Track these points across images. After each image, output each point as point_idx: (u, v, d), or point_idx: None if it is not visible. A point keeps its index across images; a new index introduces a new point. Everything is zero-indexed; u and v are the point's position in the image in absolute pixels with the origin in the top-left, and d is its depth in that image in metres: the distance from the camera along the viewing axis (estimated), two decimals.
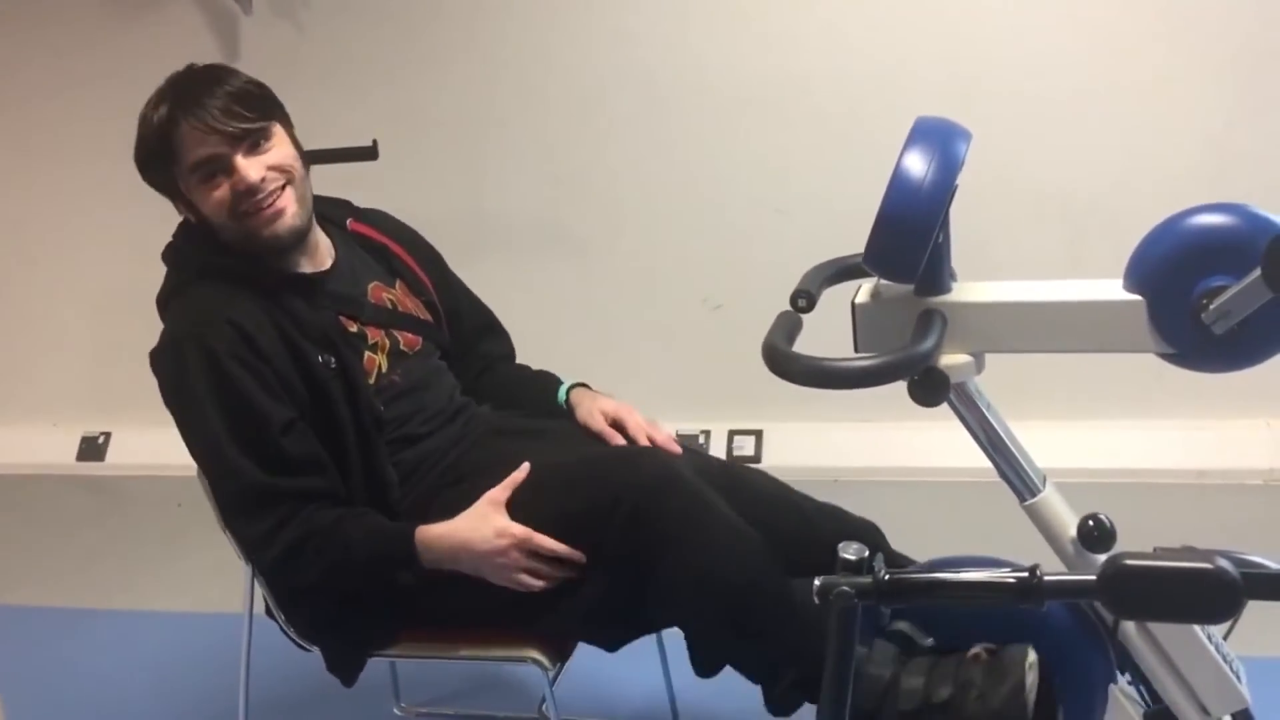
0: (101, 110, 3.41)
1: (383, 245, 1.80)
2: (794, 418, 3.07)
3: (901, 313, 1.29)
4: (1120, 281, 1.26)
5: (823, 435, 3.07)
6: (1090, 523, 1.28)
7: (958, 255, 1.32)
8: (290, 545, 1.51)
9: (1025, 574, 0.95)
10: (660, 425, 1.74)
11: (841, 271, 1.40)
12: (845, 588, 0.97)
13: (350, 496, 1.59)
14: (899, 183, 1.16)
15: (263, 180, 1.54)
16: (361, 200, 1.87)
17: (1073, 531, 1.30)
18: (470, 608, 1.57)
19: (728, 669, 1.52)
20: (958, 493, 2.75)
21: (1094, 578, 0.90)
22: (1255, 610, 0.93)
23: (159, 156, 1.55)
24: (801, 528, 1.59)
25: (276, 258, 1.61)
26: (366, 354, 1.65)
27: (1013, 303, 1.28)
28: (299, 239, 1.61)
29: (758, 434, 3.16)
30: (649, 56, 3.03)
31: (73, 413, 3.77)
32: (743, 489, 1.60)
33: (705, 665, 1.52)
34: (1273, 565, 0.96)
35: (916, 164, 1.16)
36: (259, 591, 1.67)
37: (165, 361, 1.55)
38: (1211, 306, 1.18)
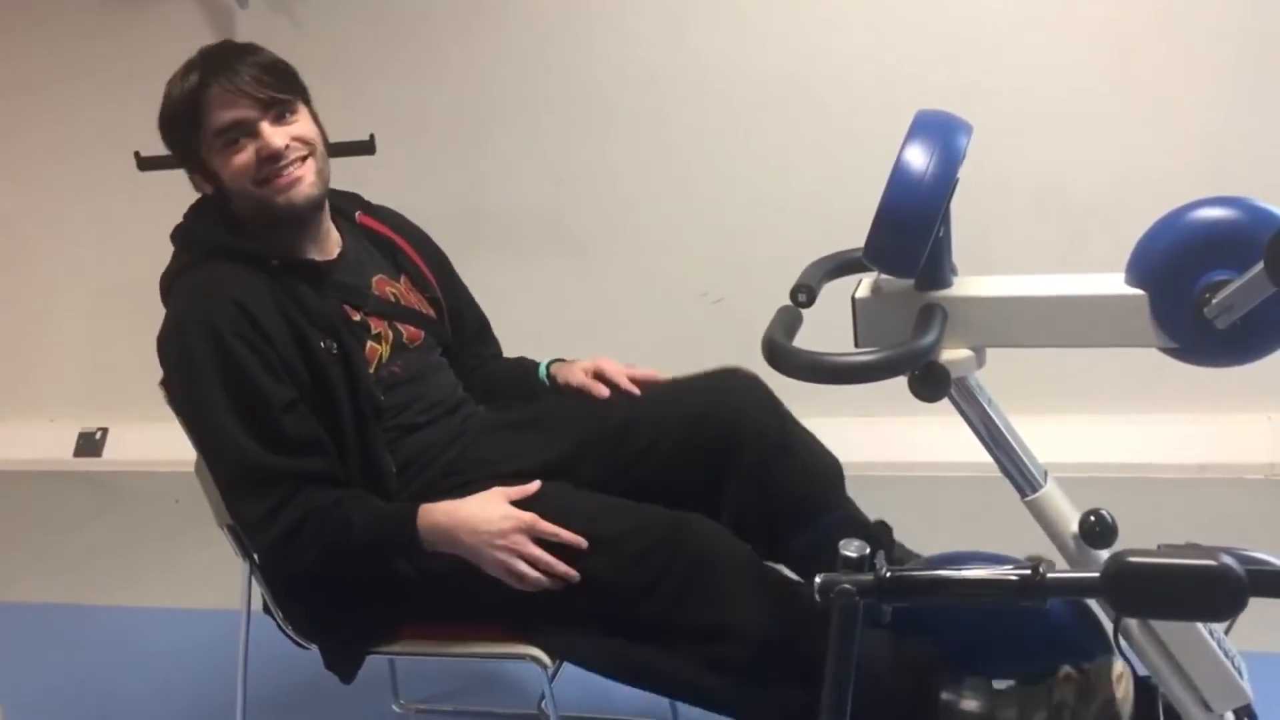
0: (99, 104, 3.40)
1: (390, 240, 1.81)
2: (794, 412, 3.06)
3: (902, 307, 1.28)
4: (1122, 276, 1.25)
5: (822, 430, 3.04)
6: (1092, 518, 1.28)
7: (956, 251, 1.31)
8: (290, 526, 1.50)
9: (1028, 571, 0.94)
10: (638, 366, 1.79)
11: (841, 266, 1.39)
12: (846, 585, 0.96)
13: (349, 481, 1.59)
14: (900, 176, 1.15)
15: (287, 148, 1.56)
16: (362, 195, 1.87)
17: (1074, 527, 1.30)
18: (471, 605, 1.56)
19: None
20: (958, 488, 2.74)
21: (1098, 575, 0.89)
22: (1256, 605, 0.92)
23: (185, 120, 1.56)
24: (784, 446, 1.65)
25: (286, 237, 1.62)
26: (369, 343, 1.66)
27: (1014, 297, 1.27)
28: (314, 209, 1.63)
29: None
30: (649, 53, 3.02)
31: (70, 408, 3.77)
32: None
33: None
34: (1276, 562, 0.96)
35: (917, 157, 1.15)
36: (257, 588, 1.66)
37: (169, 342, 1.55)
38: (1214, 301, 1.17)
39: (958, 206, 1.23)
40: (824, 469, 1.68)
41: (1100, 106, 2.78)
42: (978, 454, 1.36)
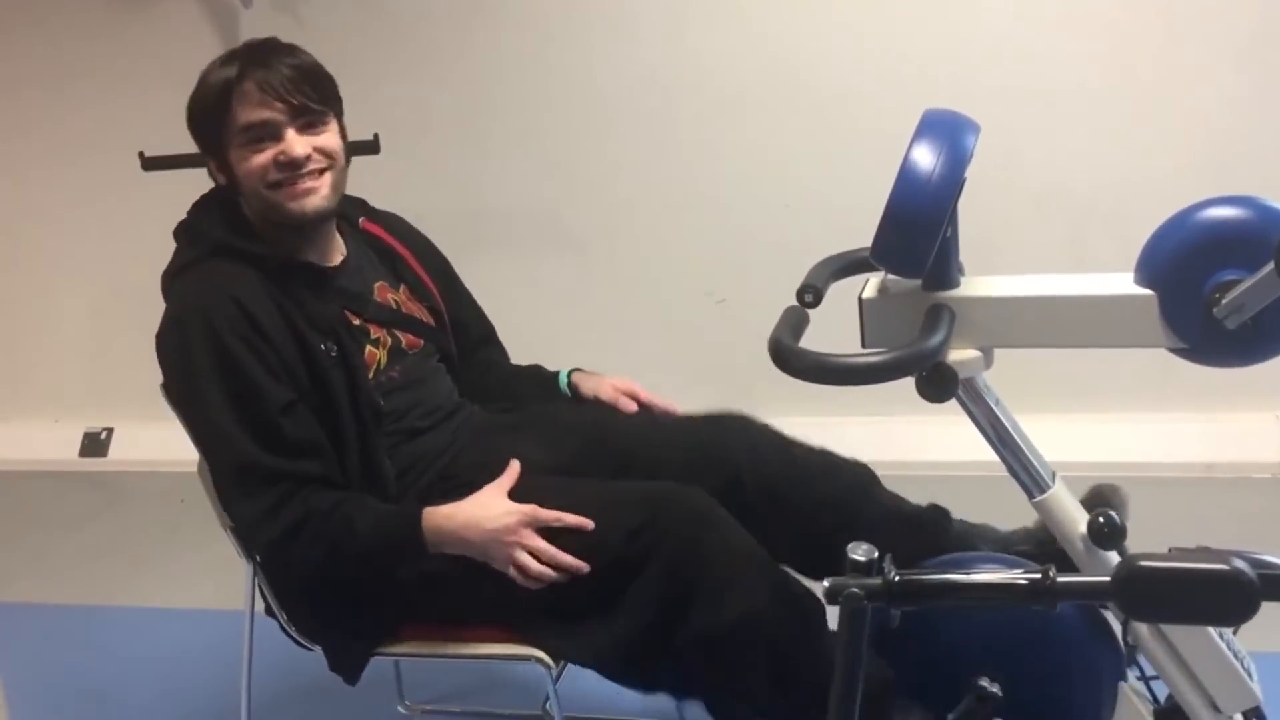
0: (101, 103, 3.40)
1: (391, 248, 1.80)
2: (799, 413, 3.03)
3: (909, 308, 1.27)
4: (1131, 276, 1.24)
5: (829, 430, 3.03)
6: (1100, 519, 1.27)
7: (960, 251, 1.30)
8: (289, 526, 1.49)
9: (1038, 575, 0.93)
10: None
11: (848, 266, 1.39)
12: (855, 589, 0.95)
13: (347, 485, 1.58)
14: (907, 176, 1.14)
15: (307, 158, 1.56)
16: (361, 195, 1.86)
17: (1083, 528, 1.29)
18: (472, 603, 1.56)
19: None
20: (966, 488, 2.73)
21: (1108, 579, 0.88)
22: (1266, 606, 0.91)
23: (215, 110, 1.55)
24: (789, 468, 1.63)
25: (291, 241, 1.61)
26: (368, 348, 1.65)
27: (1022, 297, 1.27)
28: (321, 221, 1.62)
29: None
30: (650, 52, 3.01)
31: (75, 408, 3.77)
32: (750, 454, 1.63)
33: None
34: None
35: (925, 157, 1.14)
36: (261, 589, 1.66)
37: (168, 339, 1.55)
38: (1224, 301, 1.16)
39: (962, 206, 1.22)
40: (841, 489, 1.66)
41: (1104, 105, 2.77)
42: (985, 454, 1.35)
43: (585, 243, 3.21)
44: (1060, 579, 0.92)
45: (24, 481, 3.64)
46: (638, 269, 3.19)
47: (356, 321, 1.65)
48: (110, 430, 3.70)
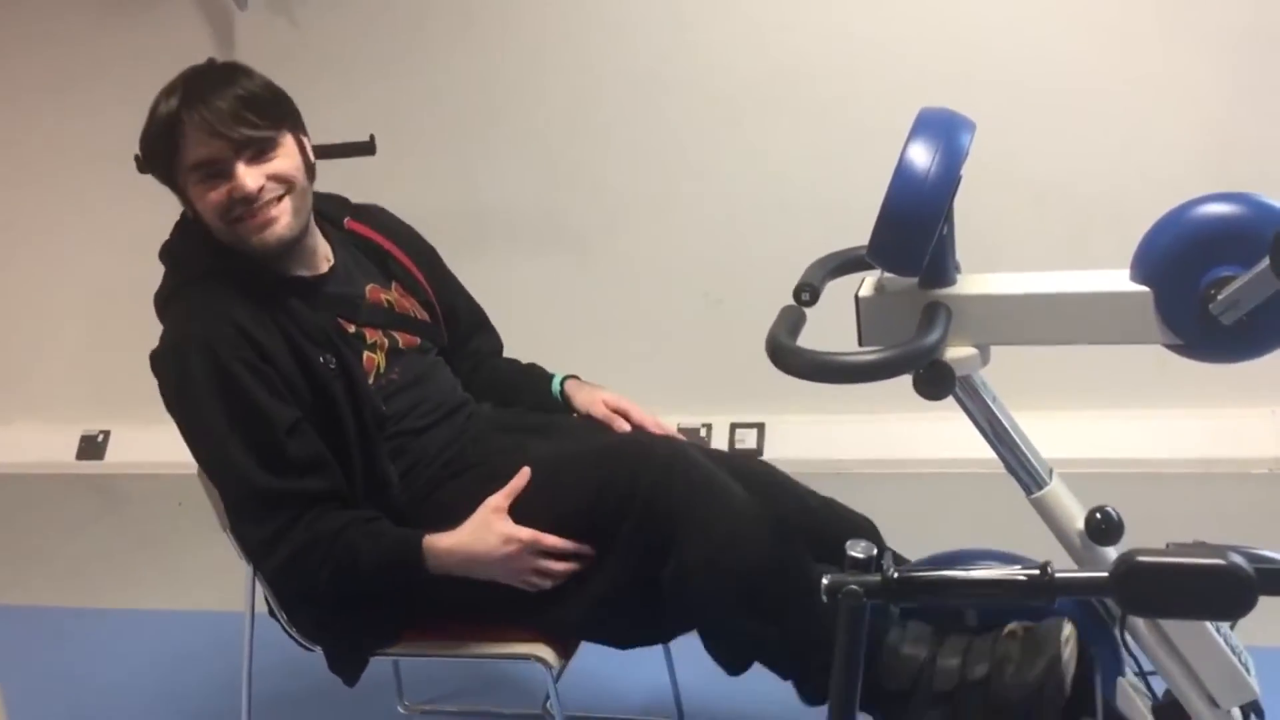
0: (97, 106, 3.39)
1: (378, 245, 1.79)
2: (796, 410, 3.06)
3: (906, 306, 1.28)
4: (1127, 272, 1.25)
5: (826, 428, 3.06)
6: (1098, 515, 1.27)
7: (958, 249, 1.31)
8: (294, 553, 1.50)
9: (1036, 571, 0.93)
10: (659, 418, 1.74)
11: (845, 264, 1.39)
12: (854, 586, 0.96)
13: (352, 494, 1.58)
14: (903, 174, 1.14)
15: (260, 190, 1.51)
16: (358, 196, 1.86)
17: (1080, 524, 1.30)
18: (473, 602, 1.56)
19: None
20: (963, 485, 2.74)
21: (1107, 575, 0.89)
22: (1263, 601, 0.92)
23: (162, 150, 1.53)
24: (804, 516, 1.58)
25: (273, 261, 1.60)
26: (366, 354, 1.65)
27: (1018, 295, 1.27)
28: (287, 248, 1.59)
29: (759, 427, 3.15)
30: (646, 50, 3.01)
31: (72, 411, 3.76)
32: (747, 478, 1.59)
33: (731, 659, 1.50)
34: None
35: (921, 155, 1.15)
36: (261, 591, 1.66)
37: (167, 364, 1.54)
38: (1220, 297, 1.17)
39: (959, 204, 1.23)
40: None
41: (1102, 102, 2.77)
42: (982, 451, 1.35)
43: (582, 242, 3.21)
44: (1059, 574, 0.93)
45: (21, 484, 3.64)
46: (634, 268, 3.19)
47: (351, 329, 1.64)
48: (107, 433, 3.70)
